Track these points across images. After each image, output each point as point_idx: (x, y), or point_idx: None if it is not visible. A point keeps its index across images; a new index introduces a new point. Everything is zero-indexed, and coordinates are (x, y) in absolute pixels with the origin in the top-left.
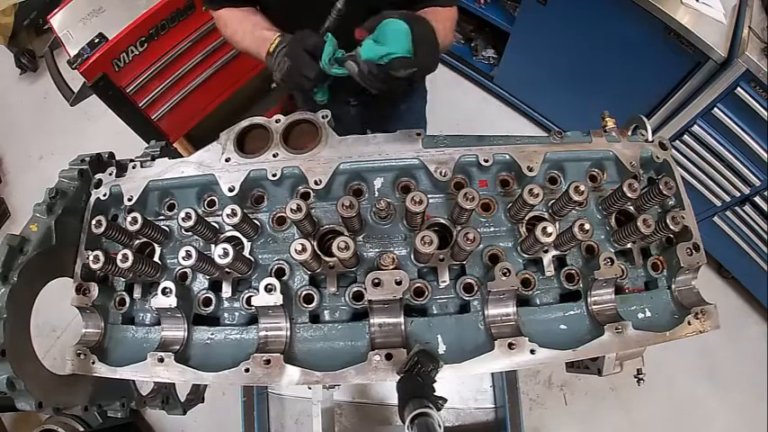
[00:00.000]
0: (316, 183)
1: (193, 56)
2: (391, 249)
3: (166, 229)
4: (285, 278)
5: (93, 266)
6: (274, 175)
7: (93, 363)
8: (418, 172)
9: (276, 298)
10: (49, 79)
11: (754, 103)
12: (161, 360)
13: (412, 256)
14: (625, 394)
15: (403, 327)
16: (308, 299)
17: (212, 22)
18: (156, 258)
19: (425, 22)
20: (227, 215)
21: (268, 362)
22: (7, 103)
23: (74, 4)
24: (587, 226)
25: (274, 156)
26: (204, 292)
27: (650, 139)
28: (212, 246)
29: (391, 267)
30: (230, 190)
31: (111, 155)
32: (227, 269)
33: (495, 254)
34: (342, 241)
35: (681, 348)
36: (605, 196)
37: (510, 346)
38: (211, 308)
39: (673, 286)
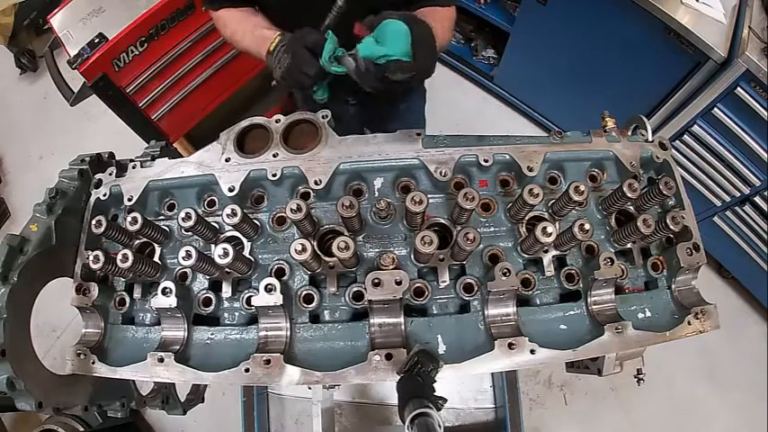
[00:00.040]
0: (316, 183)
1: (193, 56)
2: (391, 249)
3: (166, 229)
4: (285, 278)
5: (93, 266)
6: (274, 175)
7: (93, 363)
8: (418, 172)
9: (276, 298)
10: (49, 79)
11: (754, 103)
12: (161, 360)
13: (412, 256)
14: (625, 394)
15: (403, 327)
16: (308, 299)
17: (212, 22)
18: (156, 258)
19: (425, 25)
20: (227, 215)
21: (268, 362)
22: (7, 103)
23: (74, 4)
24: (587, 226)
25: (274, 156)
26: (204, 292)
27: (650, 139)
28: (212, 246)
29: (391, 267)
30: (230, 190)
31: (111, 155)
32: (227, 269)
33: (495, 254)
34: (342, 241)
35: (681, 348)
36: (605, 196)
37: (510, 346)
38: (211, 308)
39: (673, 286)
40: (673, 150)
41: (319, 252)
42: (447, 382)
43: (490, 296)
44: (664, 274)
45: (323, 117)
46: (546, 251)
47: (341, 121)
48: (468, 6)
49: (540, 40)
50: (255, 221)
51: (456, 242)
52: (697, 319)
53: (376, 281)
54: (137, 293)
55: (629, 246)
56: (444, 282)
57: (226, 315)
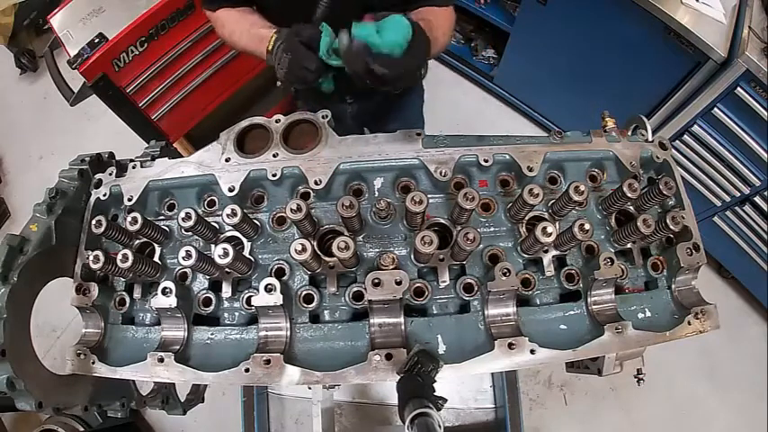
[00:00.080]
0: (316, 183)
1: (193, 56)
2: (391, 249)
3: (166, 229)
4: (285, 278)
5: (93, 266)
6: (274, 175)
7: (93, 363)
8: (418, 172)
9: (276, 298)
10: (49, 79)
11: (754, 103)
12: (161, 360)
13: (412, 256)
14: (625, 394)
15: (403, 327)
16: (308, 299)
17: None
18: (156, 258)
19: (427, 37)
20: (227, 215)
21: (268, 362)
22: (7, 103)
23: (74, 4)
24: (587, 226)
25: (274, 156)
26: (204, 292)
27: (650, 139)
28: (212, 246)
29: (391, 267)
30: (230, 190)
31: (111, 155)
32: (227, 269)
33: (495, 254)
34: (342, 241)
35: (681, 348)
36: (605, 196)
37: (510, 346)
38: (211, 308)
39: (673, 286)
40: (673, 150)
41: (319, 252)
42: (447, 382)
43: (490, 296)
44: (664, 274)
45: (323, 117)
46: (546, 251)
47: (340, 120)
48: (468, 6)
49: (540, 40)
50: (255, 221)
51: (456, 242)
52: (697, 319)
53: (376, 281)
54: (137, 293)
55: (629, 246)
56: (444, 282)
57: (226, 315)
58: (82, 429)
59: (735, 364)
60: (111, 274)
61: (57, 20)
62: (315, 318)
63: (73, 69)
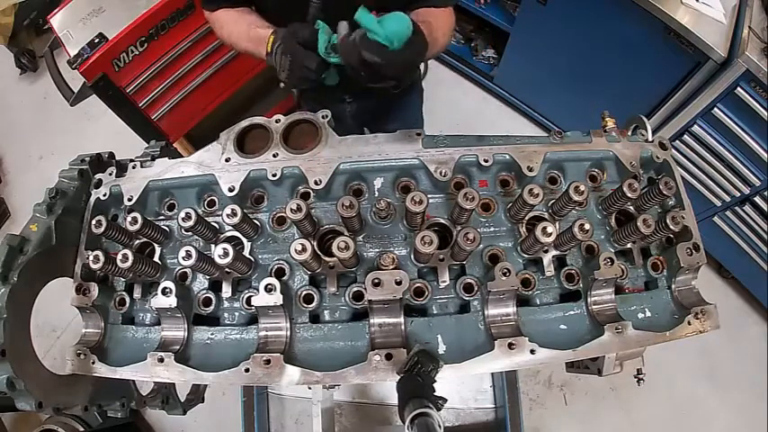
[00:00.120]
0: (316, 183)
1: (193, 56)
2: (391, 249)
3: (166, 229)
4: (285, 278)
5: (93, 266)
6: (274, 175)
7: (93, 363)
8: (418, 172)
9: (276, 298)
10: (49, 79)
11: (754, 103)
12: (161, 360)
13: (412, 256)
14: (625, 394)
15: (403, 327)
16: (308, 299)
17: None
18: (156, 258)
19: (426, 41)
20: (227, 215)
21: (268, 362)
22: (7, 103)
23: (74, 4)
24: (587, 226)
25: (274, 156)
26: (204, 292)
27: (650, 139)
28: (212, 246)
29: (391, 267)
30: (230, 190)
31: (111, 155)
32: (227, 269)
33: (495, 254)
34: (342, 241)
35: (681, 348)
36: (605, 196)
37: (510, 346)
38: (211, 308)
39: (673, 286)
40: (673, 150)
41: (319, 252)
42: (447, 382)
43: (490, 296)
44: (664, 274)
45: (323, 117)
46: (546, 251)
47: (340, 120)
48: (468, 6)
49: (540, 40)
50: (255, 221)
51: (456, 242)
52: (697, 319)
53: (376, 281)
54: (137, 293)
55: (629, 246)
56: (444, 282)
57: (226, 315)
58: (82, 429)
59: (735, 364)
60: (111, 274)
61: (57, 20)
62: (315, 318)
63: (73, 69)
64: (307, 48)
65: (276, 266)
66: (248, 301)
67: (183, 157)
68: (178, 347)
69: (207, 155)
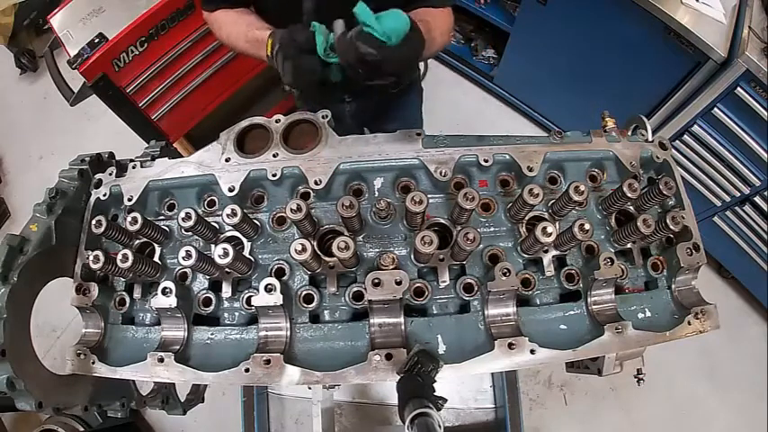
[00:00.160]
0: (316, 183)
1: (193, 56)
2: (391, 249)
3: (166, 229)
4: (285, 278)
5: (93, 266)
6: (274, 175)
7: (93, 363)
8: (418, 172)
9: (276, 298)
10: (49, 79)
11: (754, 103)
12: (161, 360)
13: (412, 256)
14: (625, 394)
15: (403, 327)
16: (308, 299)
17: None
18: (156, 258)
19: (422, 33)
20: (227, 215)
21: (268, 362)
22: (7, 103)
23: (74, 4)
24: (587, 226)
25: (274, 156)
26: (204, 292)
27: (650, 139)
28: (212, 246)
29: (391, 267)
30: (230, 190)
31: (111, 155)
32: (227, 269)
33: (495, 254)
34: (342, 241)
35: (681, 348)
36: (605, 196)
37: (510, 346)
38: (211, 308)
39: (673, 286)
40: (673, 150)
41: (319, 252)
42: (447, 382)
43: (490, 296)
44: (664, 274)
45: (323, 117)
46: (546, 251)
47: (340, 120)
48: (468, 6)
49: (540, 40)
50: (255, 221)
51: (456, 242)
52: (697, 319)
53: (376, 281)
54: (137, 293)
55: (629, 246)
56: (444, 282)
57: (226, 315)
58: (82, 429)
59: (735, 364)
60: (111, 274)
61: (57, 20)
62: (315, 318)
63: (73, 69)
64: (306, 51)
65: (276, 266)
66: (248, 301)
67: (183, 157)
68: (178, 347)
69: (207, 155)
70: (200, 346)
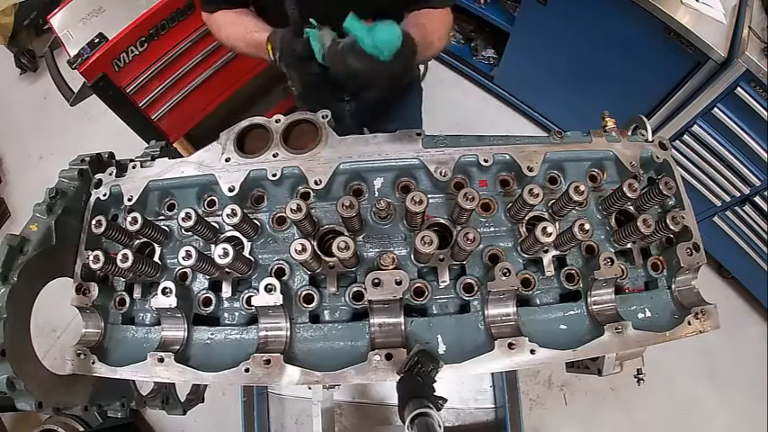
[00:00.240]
0: (316, 183)
1: (193, 56)
2: (391, 249)
3: (166, 229)
4: (285, 278)
5: (93, 266)
6: (274, 175)
7: (93, 363)
8: (418, 172)
9: (276, 298)
10: (49, 79)
11: (754, 103)
12: (161, 360)
13: (412, 256)
14: (625, 394)
15: (403, 327)
16: (308, 299)
17: None
18: (156, 258)
19: (415, 47)
20: (227, 215)
21: (268, 362)
22: (7, 103)
23: (74, 4)
24: (587, 226)
25: (274, 156)
26: (204, 292)
27: (650, 139)
28: (212, 246)
29: (391, 267)
30: (230, 190)
31: (111, 155)
32: (227, 269)
33: (495, 254)
34: (342, 241)
35: (681, 348)
36: (605, 196)
37: (510, 346)
38: (211, 308)
39: (673, 286)
40: (673, 150)
41: (319, 252)
42: (447, 382)
43: (490, 296)
44: (664, 274)
45: (323, 117)
46: (546, 251)
47: (340, 120)
48: (468, 6)
49: (540, 40)
50: (255, 221)
51: (456, 242)
52: (697, 319)
53: (376, 281)
54: (137, 293)
55: (629, 246)
56: (444, 282)
57: (226, 315)
58: (82, 429)
59: (735, 364)
60: (111, 274)
61: (57, 20)
62: (315, 318)
63: (73, 69)
64: (305, 57)
65: (276, 266)
66: (248, 301)
67: (183, 157)
68: (178, 347)
69: (207, 155)
70: (200, 346)
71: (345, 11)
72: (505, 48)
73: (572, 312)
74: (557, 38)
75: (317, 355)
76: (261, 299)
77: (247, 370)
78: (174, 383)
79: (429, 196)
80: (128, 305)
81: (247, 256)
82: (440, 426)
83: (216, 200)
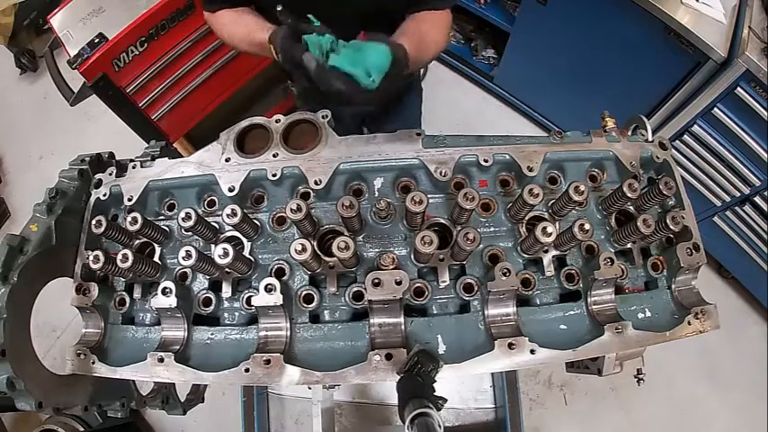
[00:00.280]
0: (316, 183)
1: (193, 56)
2: (391, 249)
3: (166, 229)
4: (285, 278)
5: (93, 266)
6: (274, 175)
7: (93, 363)
8: (418, 172)
9: (276, 298)
10: (49, 79)
11: (754, 103)
12: (161, 360)
13: (412, 256)
14: (625, 394)
15: (403, 327)
16: (308, 299)
17: None
18: (156, 258)
19: (404, 67)
20: (227, 215)
21: (268, 362)
22: (7, 103)
23: (74, 4)
24: (587, 226)
25: (274, 156)
26: (204, 292)
27: (650, 139)
28: (212, 246)
29: (391, 267)
30: (230, 190)
31: (111, 155)
32: (227, 269)
33: (495, 254)
34: (342, 241)
35: (681, 348)
36: (605, 196)
37: (510, 346)
38: (211, 308)
39: (673, 286)
40: (673, 150)
41: (319, 252)
42: (447, 382)
43: (490, 296)
44: (664, 274)
45: (323, 117)
46: (546, 251)
47: (339, 120)
48: (468, 6)
49: (540, 40)
50: (255, 221)
51: (456, 242)
52: (697, 319)
53: (376, 281)
54: (137, 293)
55: (629, 246)
56: (444, 282)
57: (226, 315)
58: (82, 429)
59: (735, 364)
60: (111, 274)
61: (57, 20)
62: (315, 318)
63: (73, 69)
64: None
65: (276, 266)
66: (248, 301)
67: (183, 157)
68: (178, 347)
69: (207, 155)
70: (200, 346)
71: (345, 11)
72: (505, 48)
73: (572, 312)
74: (557, 38)
75: (317, 355)
76: (261, 299)
77: (247, 370)
78: (174, 383)
79: (429, 196)
80: (128, 305)
81: (247, 256)
82: (440, 426)
83: (216, 200)
